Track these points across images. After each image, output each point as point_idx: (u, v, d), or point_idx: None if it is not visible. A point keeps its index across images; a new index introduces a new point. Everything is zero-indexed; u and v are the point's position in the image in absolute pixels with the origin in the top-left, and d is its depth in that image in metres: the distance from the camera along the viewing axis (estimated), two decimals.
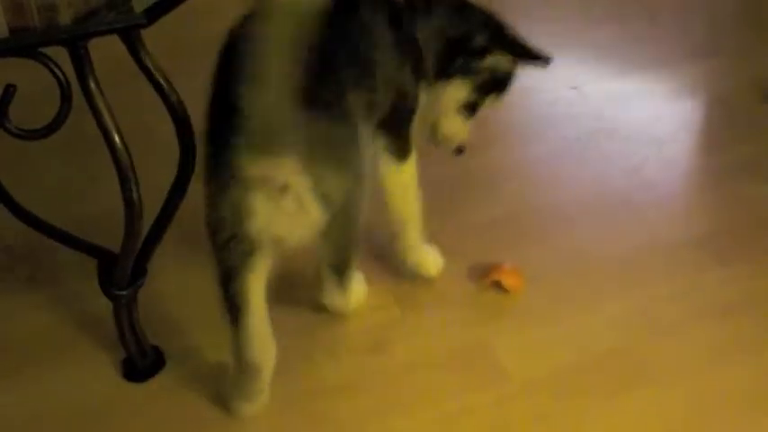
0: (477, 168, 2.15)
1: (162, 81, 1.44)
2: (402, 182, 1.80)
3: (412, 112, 1.74)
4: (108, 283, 1.64)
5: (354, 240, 1.67)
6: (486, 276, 1.91)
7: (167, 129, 1.51)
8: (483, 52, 1.77)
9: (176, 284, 1.89)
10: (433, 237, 1.90)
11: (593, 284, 1.93)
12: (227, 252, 1.48)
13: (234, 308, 1.54)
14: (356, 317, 1.84)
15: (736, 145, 2.37)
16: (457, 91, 1.80)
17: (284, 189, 1.40)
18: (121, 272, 1.61)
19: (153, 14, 1.32)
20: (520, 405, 1.69)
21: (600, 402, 1.69)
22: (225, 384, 1.66)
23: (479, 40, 1.76)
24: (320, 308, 1.81)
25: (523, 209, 2.12)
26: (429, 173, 1.86)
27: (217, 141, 1.41)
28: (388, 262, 1.93)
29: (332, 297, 1.79)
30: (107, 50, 1.44)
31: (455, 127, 1.84)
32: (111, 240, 1.62)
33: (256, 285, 1.53)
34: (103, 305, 1.68)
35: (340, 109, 1.47)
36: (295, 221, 1.45)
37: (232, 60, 1.41)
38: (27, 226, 1.83)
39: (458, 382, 1.72)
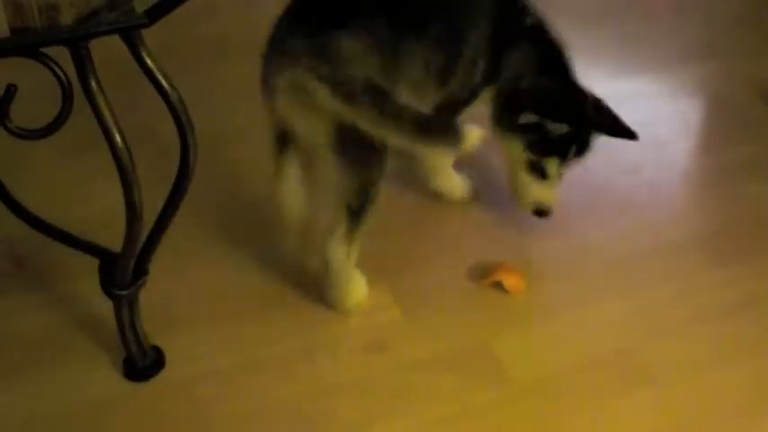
0: (478, 170, 2.14)
1: (163, 81, 1.42)
2: None
3: (465, 103, 1.82)
4: (109, 282, 1.64)
5: (371, 199, 1.69)
6: (486, 276, 1.91)
7: (169, 128, 1.50)
8: (517, 109, 1.80)
9: (178, 284, 1.89)
10: (431, 238, 1.90)
11: (594, 285, 1.93)
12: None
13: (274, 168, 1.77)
14: (356, 317, 1.84)
15: (736, 145, 2.37)
16: (512, 147, 1.87)
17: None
18: (122, 272, 1.60)
19: (154, 14, 1.31)
20: (520, 406, 1.69)
21: (600, 403, 1.70)
22: None
23: (523, 97, 1.81)
24: (321, 300, 1.82)
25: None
26: None
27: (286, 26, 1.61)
28: (388, 262, 1.93)
29: (336, 248, 1.74)
30: (109, 50, 1.44)
31: (527, 185, 1.90)
32: (113, 240, 1.62)
33: (290, 161, 1.75)
34: (104, 305, 1.68)
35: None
36: (306, 119, 1.62)
37: None
38: (28, 225, 1.83)
39: (458, 383, 1.72)
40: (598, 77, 2.62)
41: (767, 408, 1.71)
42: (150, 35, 1.40)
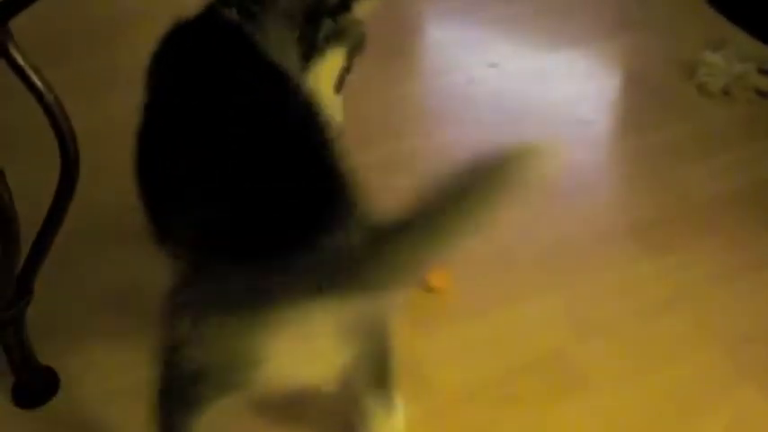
0: (389, 155, 2.01)
1: (37, 81, 1.27)
2: None
3: None
4: None
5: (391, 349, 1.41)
6: None
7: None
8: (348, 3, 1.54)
9: (74, 297, 1.74)
10: None
11: (522, 282, 1.83)
12: (189, 399, 1.23)
13: None
14: None
15: (660, 125, 2.29)
16: (333, 61, 1.57)
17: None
18: (2, 291, 1.45)
19: (5, 14, 1.15)
20: (448, 418, 1.58)
21: (532, 411, 1.60)
22: None
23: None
24: None
25: None
26: None
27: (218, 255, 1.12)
28: None
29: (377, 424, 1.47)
30: None
31: (336, 107, 1.60)
32: None
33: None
34: None
35: None
36: (317, 364, 1.17)
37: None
38: None
39: None
40: (518, 53, 2.54)
41: (709, 406, 1.63)
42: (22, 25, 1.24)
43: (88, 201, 1.50)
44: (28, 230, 1.42)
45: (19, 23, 1.26)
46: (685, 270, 1.87)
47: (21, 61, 1.26)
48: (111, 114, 1.98)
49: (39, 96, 1.30)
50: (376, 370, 1.40)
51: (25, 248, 1.45)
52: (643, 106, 2.40)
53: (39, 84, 1.28)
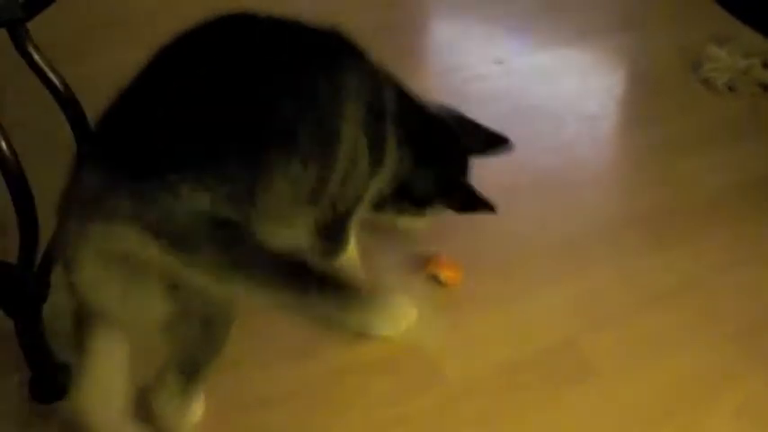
0: None
1: (53, 77, 1.30)
2: None
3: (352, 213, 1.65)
4: (7, 299, 1.51)
5: (215, 348, 1.40)
6: (421, 269, 1.81)
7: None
8: (424, 203, 1.73)
9: None
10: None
11: (531, 273, 1.86)
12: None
13: (80, 344, 1.39)
14: (281, 321, 1.72)
15: (667, 118, 2.31)
16: (409, 221, 1.78)
17: (126, 259, 1.21)
18: (21, 286, 1.47)
19: (32, 8, 1.18)
20: (461, 408, 1.60)
21: (543, 399, 1.62)
22: None
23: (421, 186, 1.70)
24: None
25: None
26: None
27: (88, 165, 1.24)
28: None
29: (167, 403, 1.45)
30: None
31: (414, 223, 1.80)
32: (9, 254, 1.49)
33: (106, 348, 1.38)
34: (7, 322, 1.54)
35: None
36: (128, 299, 1.26)
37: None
38: None
39: (394, 387, 1.63)
40: (524, 50, 2.56)
41: (717, 394, 1.64)
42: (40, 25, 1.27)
43: None
44: (45, 231, 1.43)
45: (35, 22, 1.28)
46: (692, 261, 1.89)
47: (38, 60, 1.28)
48: None
49: (55, 93, 1.32)
50: (186, 354, 1.40)
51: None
52: (648, 101, 2.43)
53: (55, 81, 1.31)
